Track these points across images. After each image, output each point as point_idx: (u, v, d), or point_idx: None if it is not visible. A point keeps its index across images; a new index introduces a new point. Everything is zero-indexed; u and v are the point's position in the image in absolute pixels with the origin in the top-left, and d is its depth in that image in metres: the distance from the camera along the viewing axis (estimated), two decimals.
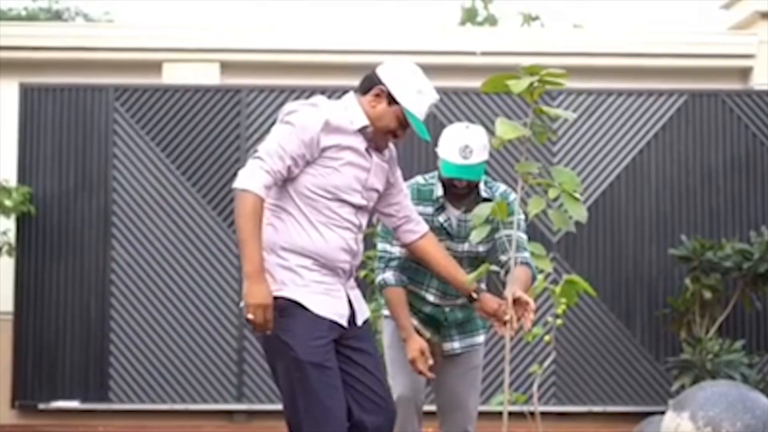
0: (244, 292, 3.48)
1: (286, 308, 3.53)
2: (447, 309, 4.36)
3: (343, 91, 8.80)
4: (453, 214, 4.27)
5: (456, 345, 4.42)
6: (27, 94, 8.78)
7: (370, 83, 3.73)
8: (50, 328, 8.63)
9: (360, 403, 3.61)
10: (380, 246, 4.29)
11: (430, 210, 4.24)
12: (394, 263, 4.25)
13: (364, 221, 3.74)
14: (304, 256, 3.59)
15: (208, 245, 8.69)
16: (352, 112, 3.68)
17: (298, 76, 9.26)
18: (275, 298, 3.51)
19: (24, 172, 8.71)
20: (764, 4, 9.41)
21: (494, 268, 4.05)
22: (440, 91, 8.72)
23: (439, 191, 4.26)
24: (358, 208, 3.69)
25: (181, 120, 8.80)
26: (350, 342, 3.66)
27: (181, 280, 8.66)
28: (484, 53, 9.29)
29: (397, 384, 4.32)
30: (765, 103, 8.92)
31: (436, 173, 4.31)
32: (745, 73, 9.50)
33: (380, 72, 3.74)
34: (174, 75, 9.19)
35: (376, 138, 3.71)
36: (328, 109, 3.62)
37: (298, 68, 9.35)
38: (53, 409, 8.56)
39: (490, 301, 3.94)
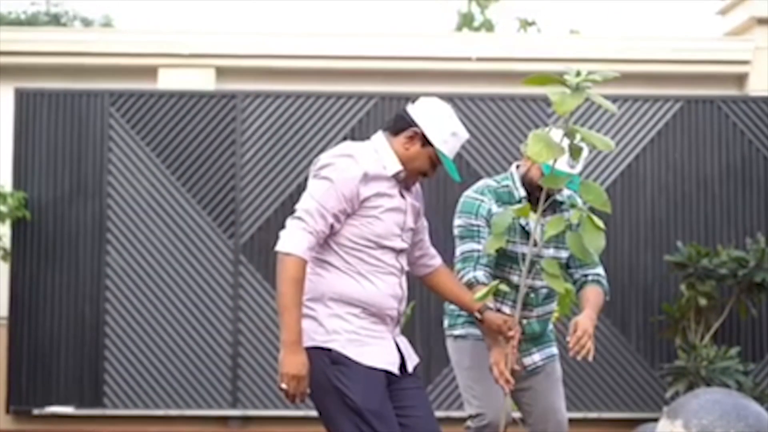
0: (280, 360, 3.44)
1: (339, 360, 3.50)
2: (524, 322, 4.29)
3: (338, 97, 8.82)
4: (532, 216, 4.17)
5: (536, 358, 4.44)
6: (22, 98, 8.76)
7: (403, 124, 3.67)
8: (45, 333, 8.61)
9: None
10: (466, 246, 4.20)
11: (495, 207, 4.22)
12: (483, 260, 4.15)
13: (405, 263, 3.70)
14: (354, 306, 3.54)
15: (204, 251, 8.68)
16: (384, 155, 3.62)
17: (293, 81, 9.25)
18: (328, 350, 3.47)
19: (19, 178, 8.70)
20: (760, 10, 9.40)
21: (503, 287, 3.94)
22: (436, 96, 8.74)
23: (521, 192, 4.22)
24: (400, 251, 3.66)
25: (176, 125, 8.79)
26: (402, 384, 3.62)
27: (176, 285, 8.65)
28: (479, 59, 9.29)
29: (484, 405, 4.28)
30: (761, 109, 8.92)
31: (507, 175, 4.29)
32: (740, 79, 9.50)
33: (414, 113, 3.68)
34: (169, 80, 9.18)
35: (407, 178, 3.67)
36: (363, 159, 3.55)
37: (294, 74, 9.34)
38: (48, 415, 8.54)
39: (495, 318, 3.93)
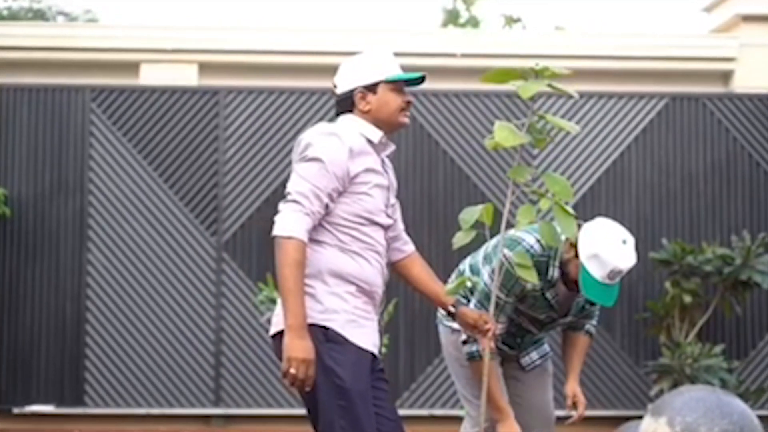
0: (285, 344, 3.37)
1: (335, 338, 3.45)
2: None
3: (321, 93, 8.77)
4: (561, 290, 4.13)
5: (534, 356, 4.43)
6: (2, 94, 8.68)
7: (345, 98, 3.65)
8: (25, 331, 8.54)
9: (381, 428, 3.54)
10: (493, 287, 4.07)
11: (539, 284, 4.08)
12: (499, 338, 4.11)
13: (385, 242, 3.66)
14: (350, 283, 3.51)
15: (186, 248, 8.62)
16: (361, 128, 3.59)
17: (276, 77, 9.19)
18: (325, 327, 3.43)
19: None
20: (746, 7, 9.39)
21: (474, 278, 3.92)
22: (421, 93, 8.72)
23: (556, 273, 4.09)
24: (385, 228, 3.63)
25: (158, 121, 8.72)
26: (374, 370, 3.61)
27: (158, 283, 8.58)
28: (464, 55, 9.25)
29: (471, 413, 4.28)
30: (746, 106, 8.91)
31: (554, 251, 4.07)
32: (726, 76, 9.48)
33: (342, 80, 3.67)
34: (151, 76, 9.11)
35: (392, 129, 3.62)
36: (346, 136, 3.52)
37: (277, 70, 9.28)
38: (28, 414, 8.47)
39: (469, 313, 3.86)
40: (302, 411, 8.26)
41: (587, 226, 4.03)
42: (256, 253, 8.62)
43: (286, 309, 3.38)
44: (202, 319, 8.58)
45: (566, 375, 4.41)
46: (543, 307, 4.15)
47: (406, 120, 3.67)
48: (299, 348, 3.35)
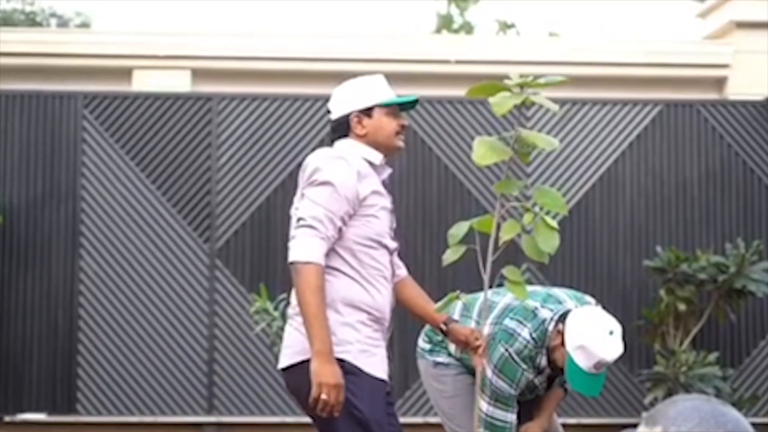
0: (314, 370, 3.34)
1: (350, 370, 3.44)
2: None
3: (315, 99, 8.74)
4: (546, 371, 4.14)
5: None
6: None
7: (341, 123, 3.63)
8: (17, 339, 8.49)
9: None
10: (498, 413, 4.08)
11: (530, 375, 4.09)
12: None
13: (391, 267, 3.66)
14: (361, 311, 3.50)
15: (179, 255, 8.58)
16: (362, 151, 3.59)
17: (270, 84, 9.16)
18: (340, 360, 3.41)
19: None
20: (740, 14, 9.38)
21: (465, 296, 3.85)
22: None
23: (544, 362, 4.09)
24: (392, 252, 3.63)
25: (151, 128, 8.69)
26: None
27: (151, 290, 8.54)
28: (458, 61, 9.23)
29: None
30: (740, 113, 8.90)
31: (543, 341, 4.07)
32: (720, 83, 9.47)
33: (336, 107, 3.66)
34: (144, 82, 9.08)
35: (389, 153, 3.62)
36: (352, 159, 3.52)
37: (270, 76, 9.25)
38: (19, 422, 8.42)
39: (460, 330, 3.85)
40: (295, 419, 8.26)
41: (575, 315, 4.03)
42: (249, 260, 8.59)
43: (311, 335, 3.36)
44: (195, 326, 8.54)
45: (532, 416, 4.34)
46: (532, 391, 4.16)
47: (401, 144, 3.67)
48: (329, 373, 3.33)
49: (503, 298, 4.19)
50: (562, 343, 4.01)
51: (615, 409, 8.57)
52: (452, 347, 4.26)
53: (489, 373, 4.06)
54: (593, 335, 3.95)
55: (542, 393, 4.24)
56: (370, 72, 9.55)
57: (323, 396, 3.34)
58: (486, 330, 3.92)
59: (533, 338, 4.05)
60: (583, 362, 3.96)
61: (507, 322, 4.08)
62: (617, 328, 3.98)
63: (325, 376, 3.33)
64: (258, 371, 8.49)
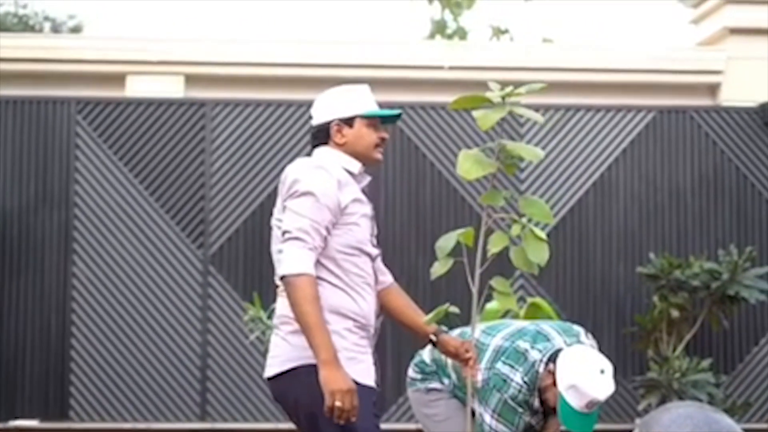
0: (324, 379, 3.34)
1: None
2: None
3: (308, 105, 8.73)
4: (540, 410, 4.15)
5: None
6: None
7: (321, 130, 3.65)
8: (9, 345, 8.47)
9: None
10: (499, 428, 4.09)
11: (527, 417, 4.10)
12: None
13: (373, 273, 3.67)
14: (348, 318, 3.51)
15: (172, 261, 8.56)
16: (341, 160, 3.60)
17: (263, 89, 9.16)
18: None
19: None
20: (733, 20, 9.39)
21: (453, 309, 3.87)
22: (408, 105, 8.69)
23: (536, 403, 4.10)
24: (373, 259, 3.64)
25: (144, 134, 8.67)
26: None
27: (144, 297, 8.53)
28: (452, 67, 9.23)
29: None
30: (733, 119, 8.91)
31: (534, 383, 4.08)
32: (713, 89, 9.48)
33: (319, 112, 3.67)
34: (137, 88, 9.07)
35: (367, 164, 3.64)
36: (331, 168, 3.53)
37: (264, 82, 9.25)
38: (12, 429, 8.39)
39: (450, 341, 3.85)
40: (288, 425, 8.24)
41: (565, 355, 4.04)
42: (242, 266, 8.58)
43: (315, 345, 3.36)
44: (188, 332, 8.52)
45: None
46: (529, 430, 4.17)
47: (380, 156, 3.68)
48: (340, 379, 3.34)
49: (493, 339, 4.19)
50: (554, 383, 4.02)
51: (608, 415, 8.57)
52: (446, 380, 4.28)
53: (488, 418, 4.07)
54: (584, 375, 3.96)
55: (539, 429, 4.25)
56: (365, 78, 9.58)
57: (337, 403, 3.33)
58: (479, 376, 3.95)
59: (525, 382, 4.07)
60: (575, 402, 3.97)
61: (499, 366, 4.10)
62: (608, 367, 4.00)
63: (336, 383, 3.33)
64: (251, 377, 8.48)
